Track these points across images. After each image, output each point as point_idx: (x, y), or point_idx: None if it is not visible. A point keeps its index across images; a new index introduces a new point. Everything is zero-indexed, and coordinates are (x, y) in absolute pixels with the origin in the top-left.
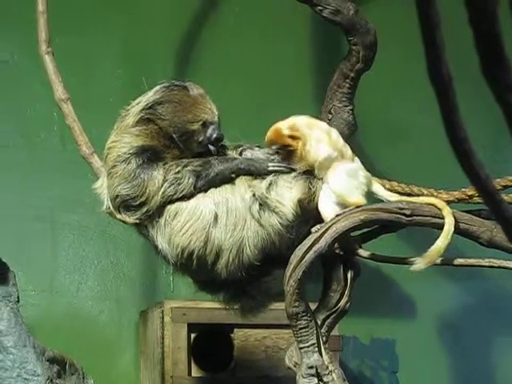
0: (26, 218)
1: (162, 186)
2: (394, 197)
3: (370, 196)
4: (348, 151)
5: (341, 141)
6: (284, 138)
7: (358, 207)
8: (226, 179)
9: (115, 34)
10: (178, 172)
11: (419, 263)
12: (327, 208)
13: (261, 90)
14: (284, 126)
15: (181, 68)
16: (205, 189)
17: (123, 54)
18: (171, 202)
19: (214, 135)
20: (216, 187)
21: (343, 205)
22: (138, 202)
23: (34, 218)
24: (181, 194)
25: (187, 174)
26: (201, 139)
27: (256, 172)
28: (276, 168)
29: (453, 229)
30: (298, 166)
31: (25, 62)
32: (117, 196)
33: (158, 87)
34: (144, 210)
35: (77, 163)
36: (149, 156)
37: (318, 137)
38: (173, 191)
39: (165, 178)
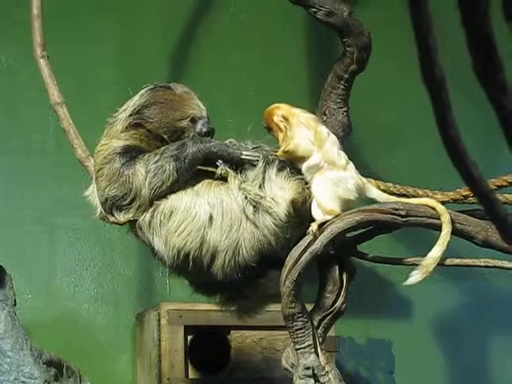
0: (23, 222)
1: (146, 177)
2: (389, 198)
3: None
4: (341, 160)
5: (333, 151)
6: (272, 123)
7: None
8: (202, 159)
9: (110, 37)
10: (158, 160)
11: (416, 275)
12: (317, 210)
13: (255, 91)
14: (279, 113)
15: (176, 71)
16: (188, 171)
17: (118, 58)
18: (164, 196)
19: (204, 129)
20: (199, 181)
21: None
22: (128, 200)
23: (30, 221)
24: (169, 183)
25: (167, 161)
26: (191, 135)
27: (228, 158)
28: (249, 157)
29: (449, 238)
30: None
31: (20, 65)
32: (106, 199)
33: (142, 91)
34: (136, 205)
35: (72, 166)
36: (132, 155)
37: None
38: (159, 181)
39: (147, 168)
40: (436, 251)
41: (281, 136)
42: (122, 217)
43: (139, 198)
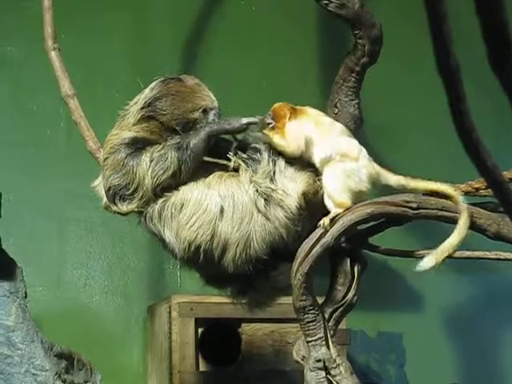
0: (33, 214)
1: (149, 166)
2: (406, 181)
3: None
4: (352, 151)
5: (342, 142)
6: (280, 113)
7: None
8: (206, 143)
9: (121, 30)
10: (161, 149)
11: (429, 261)
12: (330, 201)
13: (267, 84)
14: (287, 106)
15: (186, 64)
16: (192, 160)
17: (129, 50)
18: (175, 188)
19: (216, 120)
20: (202, 168)
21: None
22: (130, 190)
23: (40, 213)
24: (170, 172)
25: (169, 149)
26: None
27: (230, 127)
28: (250, 120)
29: (468, 224)
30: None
31: (31, 58)
32: (109, 187)
33: (153, 84)
34: (139, 196)
35: (83, 159)
36: (139, 146)
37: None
38: (161, 170)
39: (150, 158)
40: (454, 237)
41: (285, 120)
42: (124, 206)
43: (142, 188)
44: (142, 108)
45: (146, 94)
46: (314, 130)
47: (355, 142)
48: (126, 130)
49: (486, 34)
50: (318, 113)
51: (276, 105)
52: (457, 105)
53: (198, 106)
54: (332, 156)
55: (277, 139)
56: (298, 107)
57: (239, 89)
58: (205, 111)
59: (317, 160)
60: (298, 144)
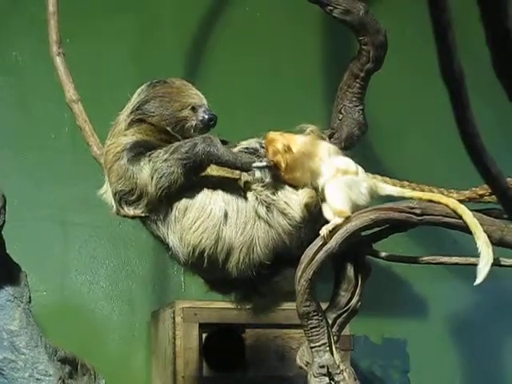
0: (38, 219)
1: (152, 176)
2: (403, 191)
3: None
4: (351, 166)
5: (339, 161)
6: (276, 152)
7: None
8: (209, 164)
9: (126, 35)
10: (166, 160)
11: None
12: (329, 212)
13: (271, 90)
14: (281, 142)
15: (190, 69)
16: (196, 174)
17: (134, 55)
18: (177, 196)
19: (206, 116)
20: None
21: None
22: (135, 196)
23: (45, 218)
24: (177, 185)
25: (176, 164)
26: (194, 124)
27: (237, 168)
28: (259, 165)
29: (476, 223)
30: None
31: (36, 63)
32: (115, 193)
33: (139, 89)
34: (144, 202)
35: (87, 164)
36: (140, 149)
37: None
38: (166, 183)
39: (153, 167)
40: (482, 246)
41: (282, 161)
42: (131, 211)
43: (146, 196)
44: (131, 112)
45: (134, 99)
46: (311, 163)
47: (350, 160)
48: (121, 136)
49: (491, 42)
50: (309, 142)
51: (269, 148)
52: (461, 111)
53: (186, 104)
54: (333, 175)
55: (285, 178)
56: (290, 140)
57: (243, 94)
58: (193, 109)
59: (320, 186)
60: (306, 179)
